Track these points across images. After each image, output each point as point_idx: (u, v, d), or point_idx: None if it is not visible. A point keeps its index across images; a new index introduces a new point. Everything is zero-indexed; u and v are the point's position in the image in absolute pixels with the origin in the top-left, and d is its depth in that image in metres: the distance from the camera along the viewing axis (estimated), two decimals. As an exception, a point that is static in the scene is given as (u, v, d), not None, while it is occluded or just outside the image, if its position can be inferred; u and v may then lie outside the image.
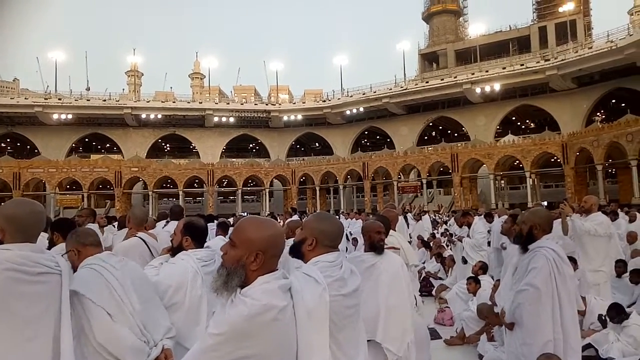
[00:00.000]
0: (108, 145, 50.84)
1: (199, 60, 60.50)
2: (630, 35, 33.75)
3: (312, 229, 2.04)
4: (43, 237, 3.70)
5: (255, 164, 44.22)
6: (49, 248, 3.17)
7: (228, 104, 51.35)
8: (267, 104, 51.23)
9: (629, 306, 5.85)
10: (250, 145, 55.29)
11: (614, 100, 40.65)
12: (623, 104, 39.04)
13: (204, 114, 48.10)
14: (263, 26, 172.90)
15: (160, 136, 50.19)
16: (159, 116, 47.17)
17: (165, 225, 5.01)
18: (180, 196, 39.81)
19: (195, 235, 2.92)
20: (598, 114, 40.92)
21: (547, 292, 3.03)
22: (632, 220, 9.78)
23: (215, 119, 48.41)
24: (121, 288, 2.26)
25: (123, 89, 54.56)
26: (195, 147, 51.05)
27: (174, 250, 2.95)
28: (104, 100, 46.53)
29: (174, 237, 3.02)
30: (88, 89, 50.04)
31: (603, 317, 5.00)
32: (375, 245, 3.05)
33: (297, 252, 2.05)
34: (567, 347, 3.00)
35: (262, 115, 49.56)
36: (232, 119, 48.79)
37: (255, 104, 51.73)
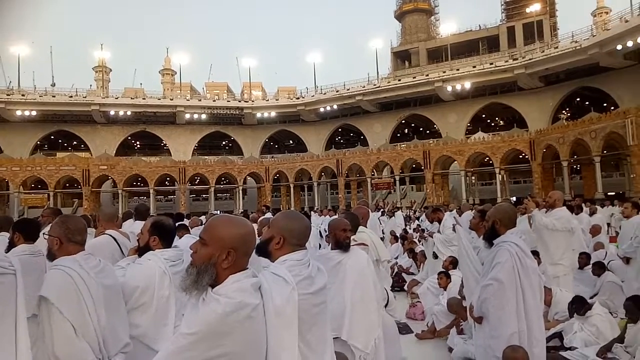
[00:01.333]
0: (75, 142, 49.39)
1: (169, 56, 59.22)
2: (594, 36, 34.94)
3: (279, 228, 2.03)
4: (5, 237, 3.58)
5: (228, 161, 43.82)
6: (9, 248, 3.06)
7: (200, 100, 50.57)
8: (240, 101, 50.72)
9: (591, 297, 6.07)
10: (223, 143, 54.69)
11: (578, 99, 42.04)
12: (587, 102, 40.45)
13: (175, 110, 47.29)
14: (235, 22, 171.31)
15: (129, 133, 49.07)
16: (129, 113, 46.10)
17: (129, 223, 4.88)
18: (151, 194, 39.07)
19: (163, 235, 2.88)
20: (564, 111, 42.22)
21: (511, 286, 3.11)
22: (592, 213, 10.14)
23: (187, 115, 47.67)
24: (91, 300, 2.20)
25: (90, 85, 52.85)
26: (166, 144, 50.15)
27: (140, 250, 2.89)
28: (71, 97, 45.11)
29: (140, 237, 2.96)
30: (53, 84, 48.35)
31: (573, 307, 5.17)
32: (341, 243, 3.06)
33: (264, 251, 2.03)
34: (531, 338, 3.09)
35: (235, 112, 49.06)
36: (204, 116, 48.13)
37: (227, 101, 51.11)
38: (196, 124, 49.27)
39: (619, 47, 31.99)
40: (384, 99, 45.67)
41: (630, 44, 31.21)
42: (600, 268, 6.66)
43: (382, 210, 15.61)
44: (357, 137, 50.76)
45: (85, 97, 45.95)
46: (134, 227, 4.23)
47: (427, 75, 43.76)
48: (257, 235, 1.84)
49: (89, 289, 2.21)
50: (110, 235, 3.66)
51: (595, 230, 9.08)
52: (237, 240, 1.64)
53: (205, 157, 47.19)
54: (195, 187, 42.33)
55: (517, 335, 3.07)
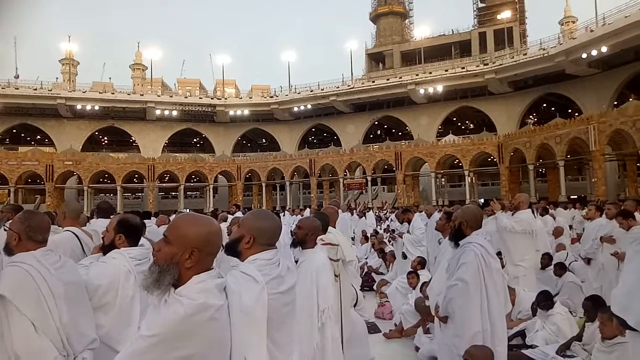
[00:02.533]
0: (39, 137, 47.73)
1: (140, 51, 57.96)
2: (561, 44, 36.15)
3: (249, 227, 2.01)
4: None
5: (199, 159, 43.23)
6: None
7: (171, 96, 49.72)
8: (212, 98, 50.08)
9: (552, 296, 6.27)
10: (194, 140, 53.91)
11: (545, 104, 43.39)
12: (553, 108, 41.81)
13: (146, 106, 46.31)
14: (209, 18, 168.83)
15: (97, 128, 47.77)
16: (96, 108, 44.84)
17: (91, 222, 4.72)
18: (119, 192, 38.14)
19: (129, 233, 2.81)
20: (531, 116, 43.50)
21: (476, 286, 3.17)
22: (542, 214, 10.51)
23: (158, 112, 46.75)
24: (52, 297, 2.13)
25: (57, 78, 51.21)
26: (135, 140, 49.05)
27: (105, 249, 2.82)
28: (35, 90, 43.57)
29: (105, 235, 2.88)
30: (17, 76, 46.62)
31: (534, 306, 5.33)
32: (293, 241, 3.11)
33: (233, 250, 2.02)
34: (494, 337, 3.16)
35: (207, 110, 48.43)
36: (175, 113, 47.32)
37: (200, 98, 50.43)
38: (167, 121, 48.39)
39: (584, 55, 33.21)
40: (358, 100, 45.99)
41: (594, 52, 32.44)
42: (561, 268, 6.89)
43: (352, 210, 15.72)
44: (331, 137, 50.92)
45: (51, 90, 44.47)
46: (97, 225, 4.10)
47: (401, 77, 44.30)
48: (227, 234, 1.82)
49: (49, 285, 2.14)
50: (73, 233, 3.55)
51: (557, 232, 9.40)
52: (201, 240, 1.62)
53: (176, 154, 46.38)
54: (164, 184, 41.60)
55: (480, 334, 3.14)
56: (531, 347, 4.87)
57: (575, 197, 27.47)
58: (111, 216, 3.89)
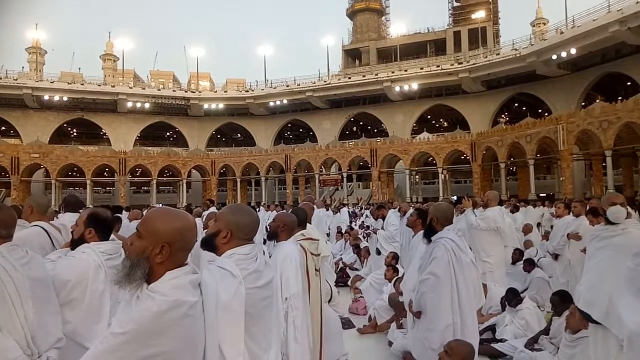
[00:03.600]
0: (4, 128, 45.97)
1: (111, 41, 56.47)
2: (532, 45, 37.03)
3: (226, 221, 1.99)
4: None
5: (172, 153, 42.48)
6: None
7: (144, 89, 48.68)
8: (186, 91, 49.28)
9: (522, 292, 6.43)
10: (167, 134, 53.01)
11: (516, 104, 44.42)
12: (524, 108, 42.85)
13: (117, 98, 45.20)
14: (184, 10, 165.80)
15: (65, 120, 46.37)
16: (65, 98, 43.53)
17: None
18: (88, 186, 37.15)
19: (99, 227, 2.74)
20: (503, 115, 44.47)
21: (446, 279, 3.23)
22: (512, 211, 10.79)
23: (129, 104, 45.70)
24: (17, 295, 2.05)
25: (23, 67, 49.47)
26: (106, 133, 47.85)
27: (74, 243, 2.74)
28: (0, 79, 41.99)
29: (75, 229, 2.80)
30: (-20, 64, 44.79)
31: (504, 302, 5.46)
32: (268, 234, 3.14)
33: (210, 245, 1.99)
34: (465, 331, 3.22)
35: (180, 103, 47.63)
36: (147, 105, 46.35)
37: (173, 91, 49.55)
38: (139, 113, 47.37)
39: (554, 56, 34.13)
40: (334, 96, 46.05)
41: (564, 54, 33.37)
42: (530, 264, 7.08)
43: (327, 206, 15.78)
44: (307, 133, 50.86)
45: (17, 79, 42.90)
46: (64, 219, 3.97)
47: (377, 74, 44.57)
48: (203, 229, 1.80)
49: (14, 282, 2.06)
50: (42, 227, 3.43)
51: (527, 229, 9.65)
52: (173, 235, 1.59)
53: (148, 148, 45.48)
54: (136, 179, 40.74)
55: (451, 327, 3.19)
56: (501, 341, 4.99)
57: (544, 195, 28.20)
58: (80, 210, 3.78)
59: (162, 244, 1.56)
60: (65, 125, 47.27)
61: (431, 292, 3.23)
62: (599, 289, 3.37)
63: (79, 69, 55.88)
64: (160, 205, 30.87)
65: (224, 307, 1.64)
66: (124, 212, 8.88)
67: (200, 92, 49.23)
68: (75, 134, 50.58)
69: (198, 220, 6.61)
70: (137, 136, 48.61)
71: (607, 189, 24.99)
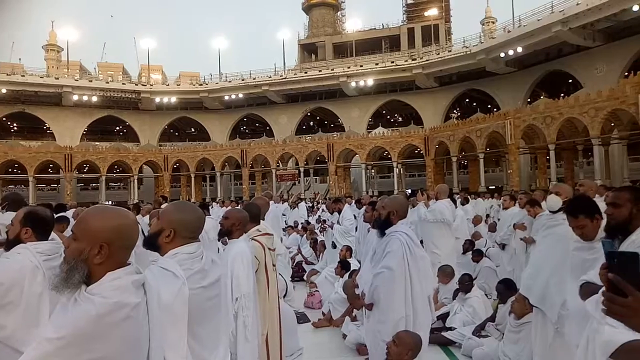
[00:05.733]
0: None
1: (55, 30, 53.57)
2: (482, 43, 38.35)
3: (169, 220, 1.93)
4: None
5: (123, 148, 40.95)
6: None
7: (91, 81, 46.50)
8: (137, 84, 47.50)
9: (473, 279, 6.68)
10: (117, 128, 51.05)
11: (467, 100, 45.93)
12: (474, 104, 44.37)
13: (61, 91, 42.99)
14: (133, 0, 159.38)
15: (5, 114, 43.72)
16: (4, 91, 40.92)
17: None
18: (31, 183, 35.23)
19: (37, 227, 2.62)
20: (455, 111, 45.84)
21: (401, 273, 3.29)
22: (463, 203, 11.19)
23: (75, 97, 43.59)
24: None
25: (-45, 57, 46.16)
26: (50, 127, 45.49)
27: (9, 244, 2.60)
28: None
29: (10, 229, 2.66)
30: None
31: (457, 284, 5.64)
32: (220, 232, 3.10)
33: (152, 244, 1.93)
34: (416, 323, 3.31)
35: (131, 96, 45.90)
36: (95, 98, 44.37)
37: (123, 83, 47.64)
38: (86, 107, 45.29)
39: (502, 54, 35.52)
40: (290, 91, 45.87)
41: (511, 52, 34.80)
42: (478, 254, 7.35)
43: (284, 201, 15.74)
44: (263, 128, 50.42)
45: (-52, 69, 40.00)
46: (4, 218, 3.75)
47: (333, 69, 44.75)
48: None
49: None
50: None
51: (476, 221, 10.02)
52: (111, 233, 1.51)
53: (96, 143, 43.60)
54: (83, 175, 39.07)
55: (404, 320, 3.26)
56: (450, 329, 5.16)
57: (493, 187, 29.36)
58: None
59: (100, 244, 1.48)
60: (4, 119, 44.63)
61: (385, 285, 3.28)
62: (537, 275, 3.56)
63: (20, 59, 52.71)
64: (110, 202, 29.77)
65: (166, 309, 1.59)
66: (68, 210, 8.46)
67: (151, 85, 47.65)
68: (15, 128, 47.83)
69: (147, 218, 6.42)
70: (85, 131, 46.53)
71: (550, 181, 26.33)
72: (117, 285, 1.48)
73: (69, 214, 7.31)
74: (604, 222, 2.34)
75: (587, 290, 2.21)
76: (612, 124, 24.77)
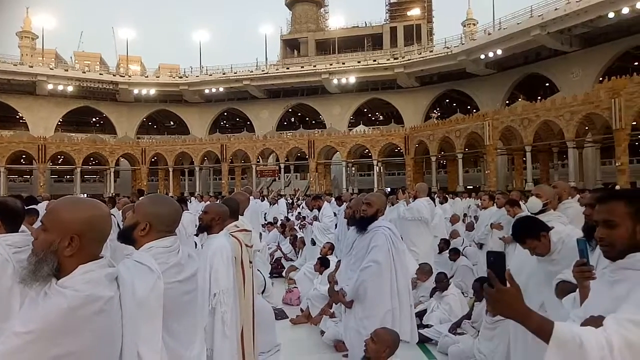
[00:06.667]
0: None
1: (29, 17, 51.98)
2: (463, 44, 38.83)
3: (145, 213, 1.88)
4: None
5: (99, 140, 40.15)
6: None
7: (66, 70, 45.33)
8: (114, 75, 46.58)
9: (449, 278, 6.75)
10: (94, 119, 50.01)
11: (447, 100, 46.48)
12: (454, 104, 44.93)
13: (36, 79, 41.84)
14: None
15: (-25, 102, 42.37)
16: (-25, 78, 39.71)
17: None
18: (2, 173, 34.24)
19: (7, 218, 2.52)
20: (435, 111, 46.34)
21: (387, 267, 3.32)
22: (441, 202, 11.35)
23: (50, 86, 42.50)
24: None
25: None
26: (23, 117, 44.22)
27: (-23, 237, 2.49)
28: None
29: (-22, 222, 2.55)
30: None
31: (433, 288, 5.69)
32: (199, 227, 3.07)
33: (127, 237, 1.87)
34: (401, 316, 3.34)
35: (108, 87, 45.00)
36: (70, 88, 43.33)
37: (100, 74, 46.64)
38: (61, 97, 44.21)
39: (482, 56, 36.07)
40: (272, 86, 45.64)
41: (491, 54, 35.37)
42: (455, 253, 7.43)
43: (264, 197, 15.67)
44: (244, 123, 50.05)
45: None
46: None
47: (315, 66, 44.70)
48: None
49: None
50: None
51: (454, 220, 10.14)
52: (82, 225, 1.46)
53: (72, 134, 42.59)
54: (58, 167, 38.13)
55: (390, 313, 3.29)
56: (427, 326, 5.20)
57: (471, 187, 29.81)
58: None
59: (71, 236, 1.43)
60: (-25, 107, 43.19)
61: (372, 279, 3.30)
62: (516, 276, 3.59)
63: (-8, 46, 51.03)
64: (85, 195, 29.13)
65: (140, 303, 1.54)
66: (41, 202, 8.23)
67: (130, 76, 46.77)
68: (-14, 117, 46.35)
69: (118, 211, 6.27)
70: (59, 121, 45.42)
71: (526, 182, 26.86)
72: (90, 278, 1.43)
73: (42, 206, 7.11)
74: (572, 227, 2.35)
75: (563, 288, 2.24)
76: (587, 128, 25.40)
